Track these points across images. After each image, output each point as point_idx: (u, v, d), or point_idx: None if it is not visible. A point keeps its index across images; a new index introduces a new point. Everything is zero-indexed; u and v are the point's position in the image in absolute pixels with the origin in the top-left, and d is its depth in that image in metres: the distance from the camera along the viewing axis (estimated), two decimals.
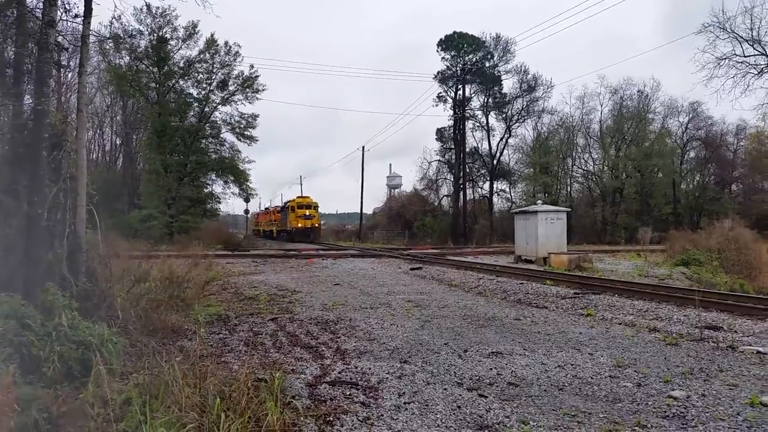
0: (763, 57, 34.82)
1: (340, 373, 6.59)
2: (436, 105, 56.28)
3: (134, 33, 38.88)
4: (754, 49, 35.00)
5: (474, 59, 53.79)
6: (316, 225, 52.58)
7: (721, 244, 23.25)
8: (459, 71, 53.99)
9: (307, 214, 51.49)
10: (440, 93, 55.21)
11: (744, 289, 17.04)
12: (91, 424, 4.33)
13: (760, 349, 7.82)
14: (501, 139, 56.24)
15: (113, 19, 38.23)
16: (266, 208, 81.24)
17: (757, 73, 34.78)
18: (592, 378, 6.49)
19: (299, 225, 50.77)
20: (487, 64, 53.96)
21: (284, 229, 55.13)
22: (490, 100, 55.56)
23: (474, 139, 57.22)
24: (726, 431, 4.81)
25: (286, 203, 58.22)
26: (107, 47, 38.98)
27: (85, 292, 7.50)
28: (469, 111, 54.99)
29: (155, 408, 4.45)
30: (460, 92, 54.01)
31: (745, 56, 35.25)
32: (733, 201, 55.18)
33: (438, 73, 54.62)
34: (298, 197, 55.85)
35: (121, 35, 37.45)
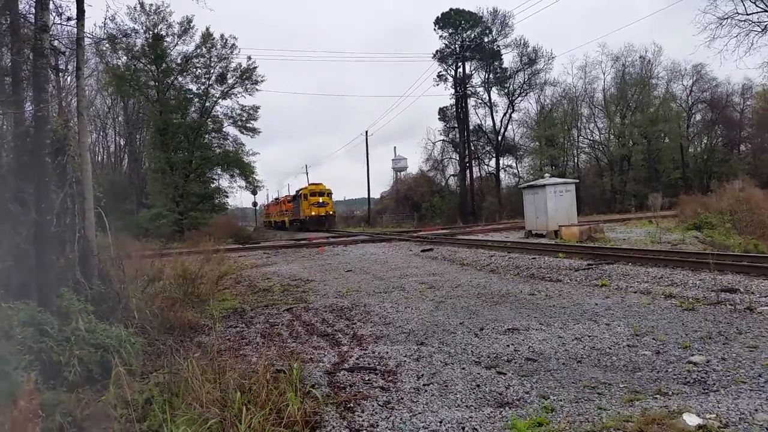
0: (767, 14, 34.24)
1: (357, 359, 6.61)
2: (437, 84, 56.09)
3: (129, 32, 38.76)
4: (757, 6, 34.44)
5: (472, 35, 53.38)
6: (331, 212, 50.35)
7: (732, 206, 23.08)
8: (458, 48, 53.61)
9: (321, 201, 49.30)
10: (440, 72, 54.99)
11: (759, 249, 16.92)
12: (115, 425, 4.37)
13: None
14: (504, 114, 56.09)
15: (107, 20, 38.19)
16: (276, 199, 78.87)
17: (761, 30, 34.25)
18: (610, 348, 6.47)
19: (313, 213, 48.58)
20: (486, 40, 53.55)
21: (297, 219, 52.96)
22: (490, 75, 55.25)
23: (477, 116, 57.11)
24: (748, 393, 4.79)
25: (298, 191, 55.57)
26: (104, 48, 38.89)
27: (99, 294, 7.54)
28: (470, 88, 54.72)
29: (176, 406, 4.48)
30: (461, 70, 53.66)
31: (747, 14, 34.69)
32: (742, 161, 54.82)
33: (437, 51, 54.33)
34: (310, 184, 53.28)
35: (117, 35, 37.33)
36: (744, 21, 34.72)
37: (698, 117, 58.19)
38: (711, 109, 56.40)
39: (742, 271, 11.02)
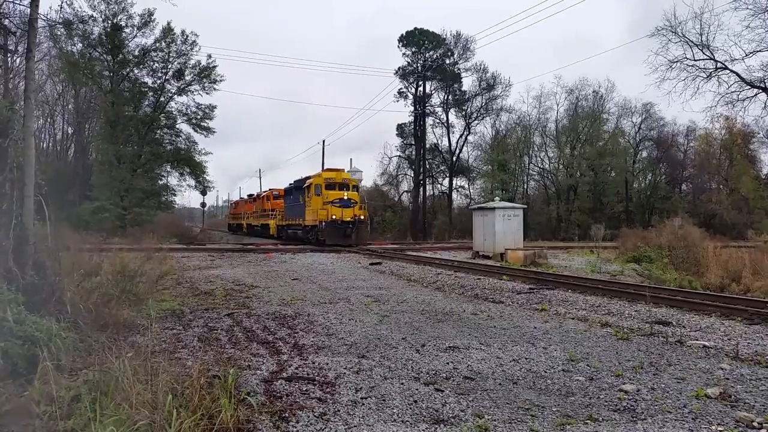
0: (712, 61, 35.95)
1: (297, 368, 6.54)
2: (397, 100, 56.34)
3: (87, 19, 37.63)
4: (703, 53, 36.11)
5: (435, 56, 54.03)
6: (362, 217, 31.53)
7: (670, 242, 23.94)
8: (420, 67, 54.16)
9: (346, 198, 31.01)
10: (401, 89, 55.37)
11: (692, 285, 17.57)
12: (36, 422, 4.18)
13: (706, 343, 8.09)
14: (460, 136, 56.77)
15: (64, 3, 36.89)
16: (250, 195, 60.84)
17: (706, 76, 35.91)
18: (545, 372, 6.60)
19: (334, 217, 30.04)
20: (448, 62, 54.25)
21: (298, 224, 35.12)
22: (450, 97, 55.93)
23: (434, 135, 57.61)
24: (673, 423, 4.95)
25: (302, 180, 35.58)
26: (59, 33, 37.65)
27: (32, 285, 7.23)
28: (429, 107, 55.28)
29: (105, 405, 4.32)
30: (421, 89, 54.24)
31: (695, 60, 36.36)
32: (683, 200, 57.10)
33: (399, 68, 54.67)
34: (326, 170, 34.75)
35: (73, 20, 36.20)
36: (691, 66, 36.35)
37: (644, 154, 60.56)
38: (657, 147, 58.77)
39: (676, 306, 11.44)
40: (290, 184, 39.16)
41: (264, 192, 50.49)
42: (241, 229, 58.21)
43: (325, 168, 34.75)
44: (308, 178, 34.46)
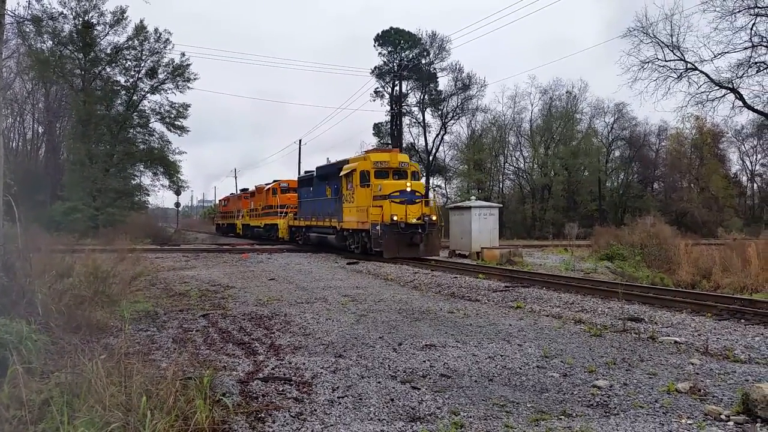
0: (682, 62, 36.71)
1: (273, 369, 6.52)
2: (374, 100, 56.28)
3: (56, 16, 36.92)
4: (674, 54, 36.85)
5: (410, 56, 54.18)
6: (434, 218, 22.01)
7: (643, 240, 24.40)
8: (396, 67, 54.25)
9: (409, 190, 21.76)
10: (377, 88, 55.43)
11: (664, 282, 17.92)
12: (5, 426, 4.11)
13: (677, 339, 8.25)
14: (437, 135, 57.00)
15: None
16: (245, 190, 49.87)
17: (676, 77, 36.66)
18: (520, 368, 6.67)
19: (394, 218, 20.72)
20: (423, 61, 54.45)
21: (327, 226, 25.95)
22: (426, 96, 56.12)
23: (411, 135, 57.73)
24: (645, 418, 5.05)
25: (333, 166, 26.67)
26: (27, 30, 36.90)
27: (2, 287, 7.10)
28: (405, 107, 55.37)
29: (77, 408, 4.26)
30: (397, 88, 54.30)
31: (666, 61, 37.06)
32: (654, 199, 58.18)
33: (375, 68, 54.73)
34: (373, 151, 25.48)
35: (42, 17, 35.51)
36: (662, 67, 37.10)
37: (617, 153, 61.53)
38: (629, 146, 59.76)
39: (648, 302, 11.62)
40: (307, 173, 31.01)
41: (268, 184, 39.11)
42: (234, 231, 48.29)
43: (369, 149, 25.23)
44: (344, 161, 25.34)
